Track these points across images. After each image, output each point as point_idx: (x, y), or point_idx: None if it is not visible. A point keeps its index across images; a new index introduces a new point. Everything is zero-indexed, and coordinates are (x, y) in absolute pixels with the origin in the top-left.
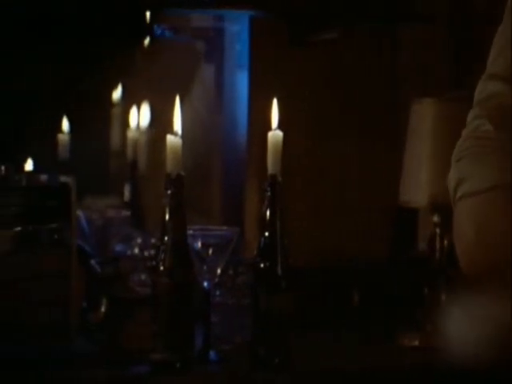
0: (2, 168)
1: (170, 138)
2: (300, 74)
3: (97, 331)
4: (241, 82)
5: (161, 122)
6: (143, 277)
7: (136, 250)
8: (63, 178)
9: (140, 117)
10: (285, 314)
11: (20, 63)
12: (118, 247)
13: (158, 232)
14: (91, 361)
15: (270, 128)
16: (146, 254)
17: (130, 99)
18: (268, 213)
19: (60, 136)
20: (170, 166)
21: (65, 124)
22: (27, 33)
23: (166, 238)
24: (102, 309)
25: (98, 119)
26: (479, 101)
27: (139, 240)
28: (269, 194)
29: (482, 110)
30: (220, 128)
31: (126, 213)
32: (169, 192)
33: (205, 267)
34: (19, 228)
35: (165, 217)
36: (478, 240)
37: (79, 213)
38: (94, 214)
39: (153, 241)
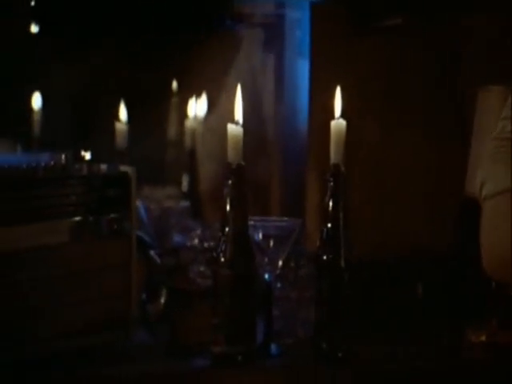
0: (62, 157)
1: (230, 127)
2: (362, 62)
3: (156, 323)
4: (302, 70)
5: (219, 111)
6: (203, 268)
7: (195, 241)
8: (123, 168)
9: (198, 106)
10: (348, 308)
11: (80, 53)
12: (177, 238)
13: (217, 223)
14: (151, 353)
15: (331, 116)
16: (205, 245)
17: (188, 88)
18: (330, 203)
19: (118, 125)
20: (231, 155)
21: (123, 113)
22: (89, 23)
23: (226, 229)
24: (162, 300)
25: (156, 109)
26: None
27: (198, 231)
28: (331, 184)
29: (509, 110)
30: (280, 117)
31: (185, 203)
32: (229, 182)
33: (266, 259)
34: (79, 218)
35: (225, 207)
36: (494, 242)
37: (137, 203)
38: (153, 204)
39: (212, 232)
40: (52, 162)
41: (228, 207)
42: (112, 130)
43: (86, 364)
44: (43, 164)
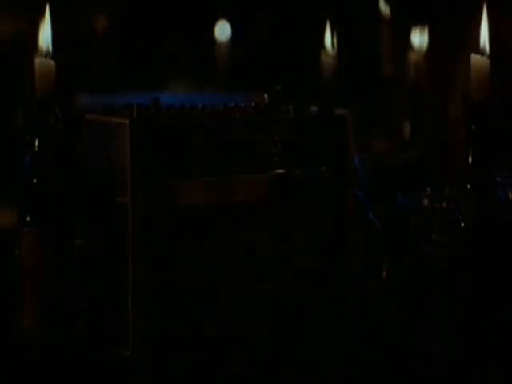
0: (265, 96)
1: (475, 58)
2: None
3: (377, 301)
4: None
5: (454, 39)
6: (435, 235)
7: (425, 202)
8: (338, 111)
9: (423, 34)
10: None
11: None
12: (401, 198)
13: (451, 179)
14: (371, 340)
15: None
16: (438, 206)
17: (409, 12)
18: None
19: (324, 58)
20: (475, 93)
21: (330, 43)
22: None
23: (467, 186)
24: (384, 273)
25: (368, 37)
26: None
27: (428, 189)
28: None
29: None
30: None
31: (409, 155)
32: (472, 126)
33: None
34: (284, 170)
35: (466, 159)
36: None
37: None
38: (369, 156)
39: (446, 191)
40: (252, 103)
41: (469, 159)
42: (315, 65)
43: (285, 346)
44: (243, 105)
